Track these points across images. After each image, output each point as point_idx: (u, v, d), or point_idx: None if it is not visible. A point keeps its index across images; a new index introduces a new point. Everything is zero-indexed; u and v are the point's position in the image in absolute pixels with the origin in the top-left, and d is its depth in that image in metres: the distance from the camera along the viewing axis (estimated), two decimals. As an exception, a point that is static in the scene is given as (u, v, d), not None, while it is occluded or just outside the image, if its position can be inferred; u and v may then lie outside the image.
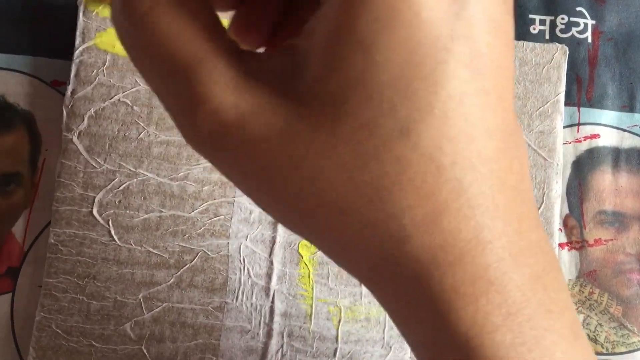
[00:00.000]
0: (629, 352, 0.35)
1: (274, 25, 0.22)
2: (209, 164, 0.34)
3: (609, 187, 0.36)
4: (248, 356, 0.33)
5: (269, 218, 0.34)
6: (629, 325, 0.35)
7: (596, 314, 0.35)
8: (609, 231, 0.36)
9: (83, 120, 0.35)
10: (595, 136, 0.37)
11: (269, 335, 0.33)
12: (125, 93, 0.35)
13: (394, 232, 0.16)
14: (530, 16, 0.39)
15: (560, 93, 0.36)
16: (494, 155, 0.16)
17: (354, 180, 0.16)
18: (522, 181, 0.17)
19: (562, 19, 0.39)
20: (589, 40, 0.38)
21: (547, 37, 0.38)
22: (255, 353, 0.33)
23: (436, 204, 0.16)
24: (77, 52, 0.35)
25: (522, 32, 0.38)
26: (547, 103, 0.36)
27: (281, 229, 0.34)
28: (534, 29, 0.38)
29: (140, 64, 0.18)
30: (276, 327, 0.33)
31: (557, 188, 0.35)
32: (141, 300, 0.33)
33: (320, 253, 0.34)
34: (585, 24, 0.38)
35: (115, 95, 0.35)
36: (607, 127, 0.37)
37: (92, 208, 0.34)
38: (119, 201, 0.34)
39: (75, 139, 0.34)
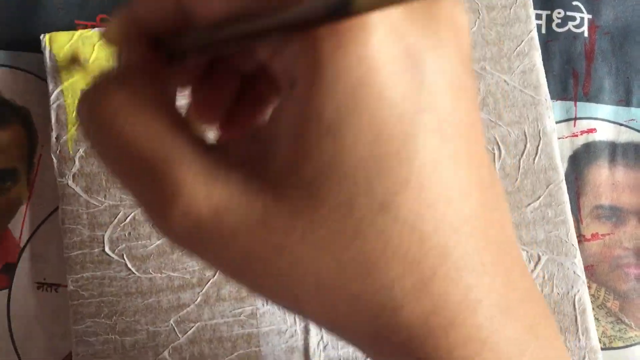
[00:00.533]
0: (626, 346, 0.35)
1: (232, 105, 0.23)
2: None
3: (605, 181, 0.36)
4: (291, 355, 0.33)
5: None
6: (626, 319, 0.35)
7: (593, 309, 0.35)
8: (606, 226, 0.36)
9: (74, 162, 0.34)
10: (591, 131, 0.37)
11: (306, 330, 0.33)
12: None
13: (385, 302, 0.16)
14: (527, 11, 0.39)
15: (532, 30, 0.36)
16: (473, 213, 0.17)
17: (338, 260, 0.16)
18: (503, 231, 0.18)
19: (559, 13, 0.38)
20: (586, 34, 0.38)
21: (543, 31, 0.38)
22: (297, 351, 0.33)
23: (423, 271, 0.16)
24: (52, 97, 0.35)
25: (518, 26, 0.38)
26: (521, 42, 0.36)
27: None
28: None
29: (108, 164, 0.18)
30: None
31: (551, 122, 0.36)
32: (173, 325, 0.33)
33: None
34: (582, 18, 0.38)
35: None
36: (603, 122, 0.37)
37: (103, 247, 0.34)
38: (129, 233, 0.34)
39: (70, 182, 0.34)
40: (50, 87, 0.35)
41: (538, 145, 0.35)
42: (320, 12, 0.14)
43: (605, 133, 0.37)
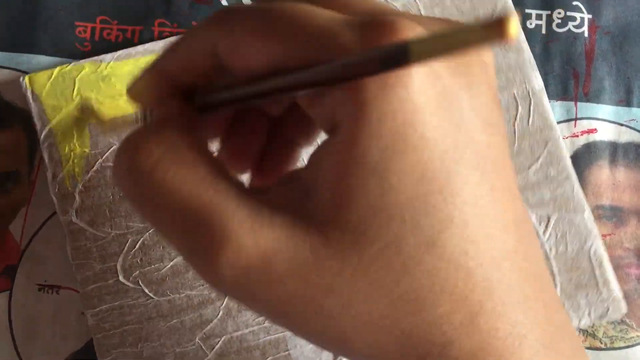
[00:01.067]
0: (628, 347, 0.35)
1: (261, 149, 0.23)
2: None
3: (606, 181, 0.36)
4: (320, 353, 0.33)
5: None
6: (628, 320, 0.35)
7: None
8: (607, 226, 0.36)
9: (75, 198, 0.34)
10: (592, 131, 0.37)
11: None
12: (104, 157, 0.34)
13: (435, 339, 0.17)
14: (527, 11, 0.38)
15: None
16: (512, 248, 0.17)
17: (389, 297, 0.16)
18: (538, 265, 0.18)
19: (559, 13, 0.38)
20: (586, 34, 0.38)
21: (543, 31, 0.38)
22: None
23: (471, 307, 0.17)
24: (42, 138, 0.34)
25: (518, 27, 0.38)
26: (497, 8, 0.36)
27: None
28: (530, 24, 0.38)
29: (150, 217, 0.18)
30: None
31: (538, 81, 0.36)
32: (200, 342, 0.33)
33: None
34: (582, 18, 0.38)
35: (95, 163, 0.34)
36: (604, 122, 0.37)
37: (117, 276, 0.33)
38: (140, 259, 0.34)
39: (74, 219, 0.34)
40: (38, 127, 0.35)
41: (529, 106, 0.35)
42: (373, 63, 0.15)
43: (605, 133, 0.37)
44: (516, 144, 0.35)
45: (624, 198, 0.36)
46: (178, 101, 0.20)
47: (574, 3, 0.38)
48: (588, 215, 0.34)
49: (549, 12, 0.38)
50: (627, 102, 0.38)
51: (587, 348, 0.35)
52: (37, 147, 0.36)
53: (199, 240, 0.17)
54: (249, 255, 0.16)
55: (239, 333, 0.33)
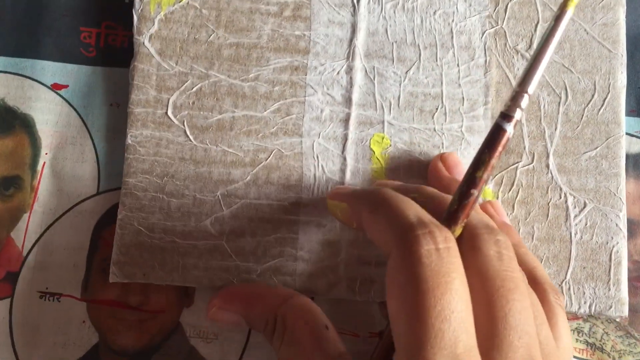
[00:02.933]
0: (636, 361, 0.35)
1: None
2: (279, 65, 0.35)
3: (616, 193, 0.36)
4: (327, 248, 0.34)
5: (341, 115, 0.35)
6: (636, 334, 0.35)
7: (602, 323, 0.35)
8: (616, 238, 0.36)
9: (153, 23, 0.35)
10: (602, 142, 0.37)
11: (342, 227, 0.34)
12: None
13: None
14: (536, 19, 0.38)
15: None
16: None
17: None
18: None
19: (569, 22, 0.38)
20: (596, 43, 0.38)
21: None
22: (332, 245, 0.34)
23: None
24: None
25: (528, 35, 0.38)
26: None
27: (352, 126, 0.35)
28: (540, 33, 0.38)
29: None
30: None
31: (622, 78, 0.36)
32: (219, 197, 0.34)
33: (392, 148, 0.35)
34: (593, 27, 0.38)
35: None
36: (614, 132, 0.37)
37: (166, 109, 0.35)
38: (193, 102, 0.35)
39: (146, 42, 0.35)
40: None
41: (605, 97, 0.36)
42: None
43: (616, 144, 0.37)
44: (579, 127, 0.35)
45: (634, 210, 0.36)
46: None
47: (585, 12, 0.38)
48: (623, 216, 0.34)
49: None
50: (638, 112, 0.37)
51: (595, 362, 0.34)
52: (40, 153, 0.36)
53: None
54: None
55: (258, 202, 0.34)
